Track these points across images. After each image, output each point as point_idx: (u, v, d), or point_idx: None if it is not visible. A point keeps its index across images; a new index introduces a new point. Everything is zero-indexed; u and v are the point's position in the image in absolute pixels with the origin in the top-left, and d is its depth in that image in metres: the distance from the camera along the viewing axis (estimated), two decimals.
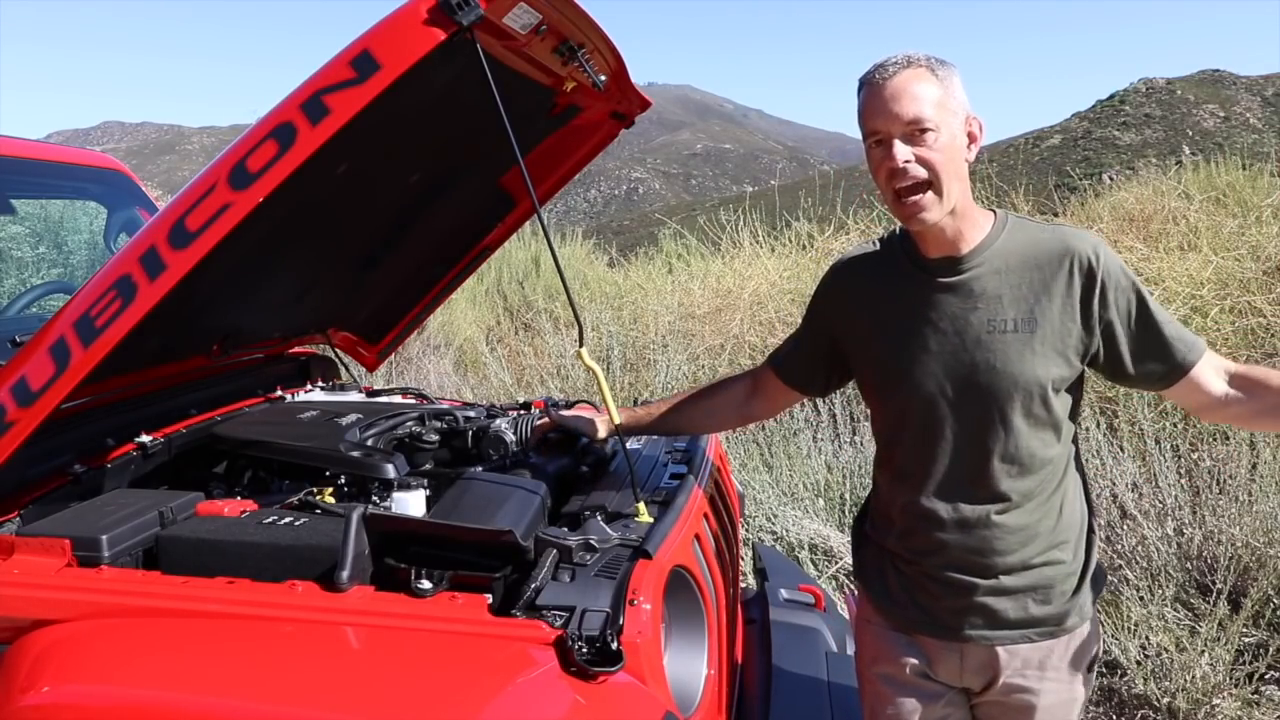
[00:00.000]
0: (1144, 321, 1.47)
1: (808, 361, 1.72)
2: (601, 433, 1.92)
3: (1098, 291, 1.44)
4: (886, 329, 1.54)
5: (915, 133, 1.39)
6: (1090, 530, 1.57)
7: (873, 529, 1.66)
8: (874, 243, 1.64)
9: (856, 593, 1.77)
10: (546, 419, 2.04)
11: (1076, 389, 1.52)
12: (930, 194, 1.41)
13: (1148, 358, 1.49)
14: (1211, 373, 1.50)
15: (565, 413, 2.03)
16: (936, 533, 1.51)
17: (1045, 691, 1.53)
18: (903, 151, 1.40)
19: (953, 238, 1.47)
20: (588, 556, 1.47)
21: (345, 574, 1.41)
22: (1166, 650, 2.81)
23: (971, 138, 1.45)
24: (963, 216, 1.46)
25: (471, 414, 2.26)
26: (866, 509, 1.72)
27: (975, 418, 1.47)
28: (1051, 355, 1.44)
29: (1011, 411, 1.45)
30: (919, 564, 1.55)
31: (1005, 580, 1.49)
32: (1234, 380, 1.50)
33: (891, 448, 1.59)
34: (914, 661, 1.58)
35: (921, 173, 1.40)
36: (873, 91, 1.42)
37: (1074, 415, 1.53)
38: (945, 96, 1.40)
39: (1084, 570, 1.55)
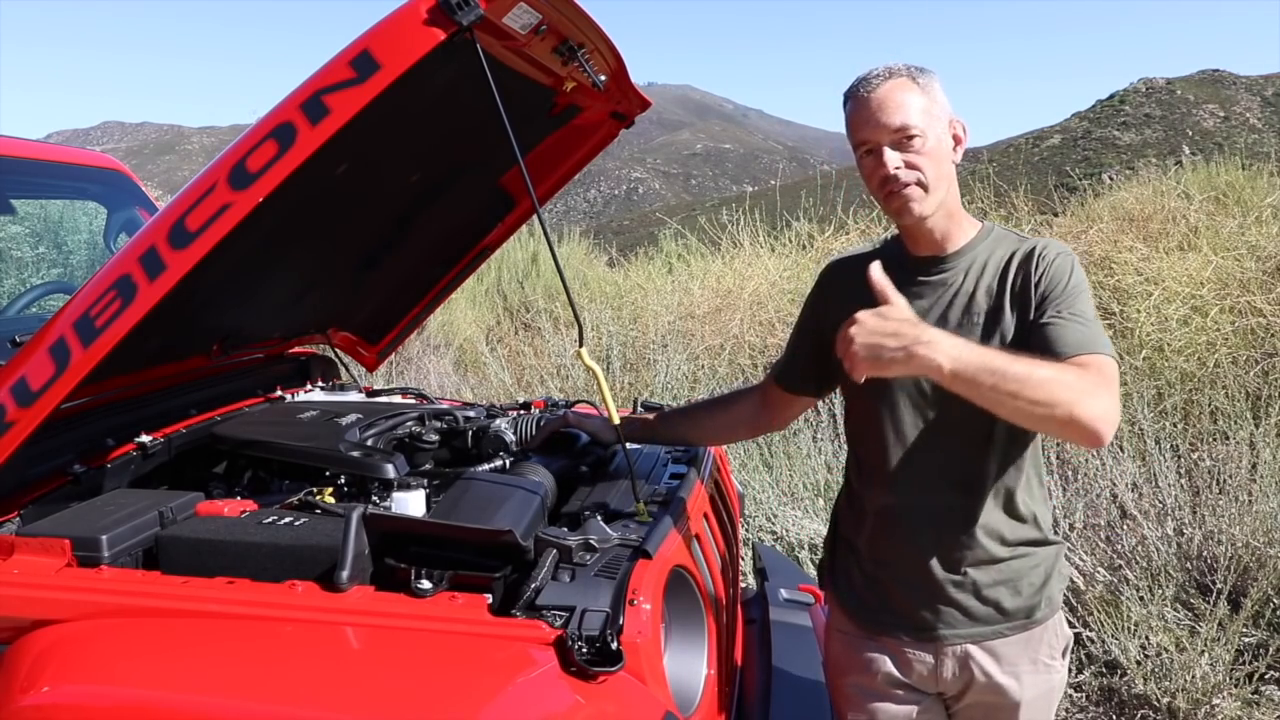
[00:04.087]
0: (1064, 314, 1.40)
1: (802, 364, 1.74)
2: (611, 438, 1.93)
3: (1034, 279, 1.45)
4: None
5: (903, 140, 1.45)
6: (1056, 520, 1.58)
7: (845, 528, 1.68)
8: (871, 244, 1.69)
9: (824, 602, 1.77)
10: (561, 418, 2.04)
11: None
12: (919, 189, 1.46)
13: (1048, 337, 1.40)
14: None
15: (576, 413, 2.05)
16: (903, 530, 1.54)
17: (1026, 686, 1.55)
18: (893, 158, 1.45)
19: (940, 238, 1.53)
20: (588, 556, 1.47)
21: (345, 574, 1.41)
22: (1166, 650, 2.81)
23: (956, 139, 1.50)
24: (951, 217, 1.51)
25: (471, 414, 2.26)
26: (837, 514, 1.73)
27: (939, 415, 1.51)
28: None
29: (973, 409, 1.44)
30: (889, 565, 1.57)
31: (974, 574, 1.51)
32: None
33: (860, 445, 1.63)
34: (886, 670, 1.59)
35: (911, 176, 1.46)
36: (859, 104, 1.47)
37: None
38: (929, 103, 1.46)
39: (1051, 559, 1.57)
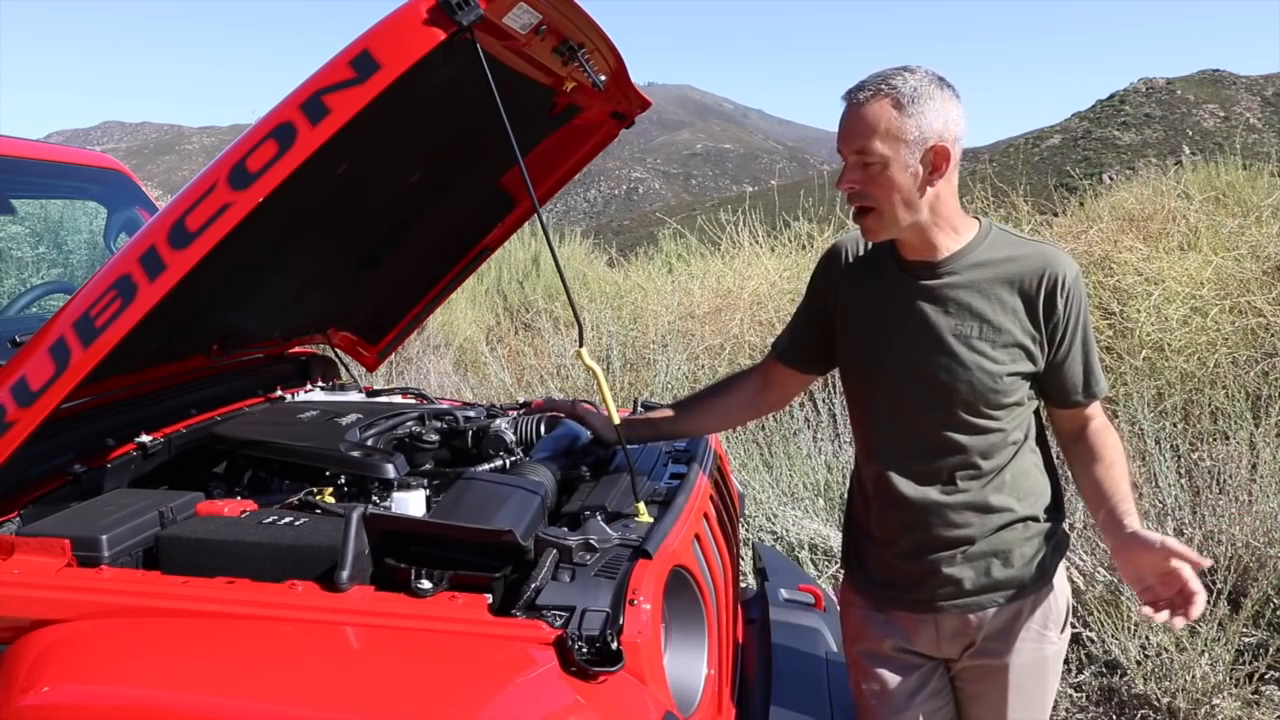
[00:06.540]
0: (1076, 348, 1.57)
1: (807, 341, 1.79)
2: (612, 437, 1.93)
3: (1061, 311, 1.53)
4: (864, 319, 1.64)
5: (862, 162, 1.47)
6: (1055, 498, 1.67)
7: (854, 508, 1.77)
8: None
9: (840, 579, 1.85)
10: (570, 405, 2.05)
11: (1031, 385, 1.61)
12: (871, 217, 1.51)
13: (1065, 377, 1.59)
14: (1089, 418, 1.64)
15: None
16: (900, 508, 1.61)
17: (1017, 652, 1.63)
18: (848, 176, 1.50)
19: (923, 247, 1.56)
20: (588, 556, 1.47)
21: (345, 574, 1.41)
22: (1166, 650, 2.81)
23: (935, 166, 1.47)
24: (932, 229, 1.54)
25: (471, 414, 2.25)
26: (850, 494, 1.81)
27: (934, 412, 1.57)
28: (1010, 363, 1.54)
29: (967, 409, 1.55)
30: (891, 544, 1.65)
31: (968, 549, 1.59)
32: (1085, 439, 1.64)
33: (861, 428, 1.71)
34: (893, 639, 1.69)
35: (860, 199, 1.50)
36: (843, 111, 1.50)
37: (1028, 402, 1.61)
38: (906, 127, 1.43)
39: (1045, 535, 1.63)
